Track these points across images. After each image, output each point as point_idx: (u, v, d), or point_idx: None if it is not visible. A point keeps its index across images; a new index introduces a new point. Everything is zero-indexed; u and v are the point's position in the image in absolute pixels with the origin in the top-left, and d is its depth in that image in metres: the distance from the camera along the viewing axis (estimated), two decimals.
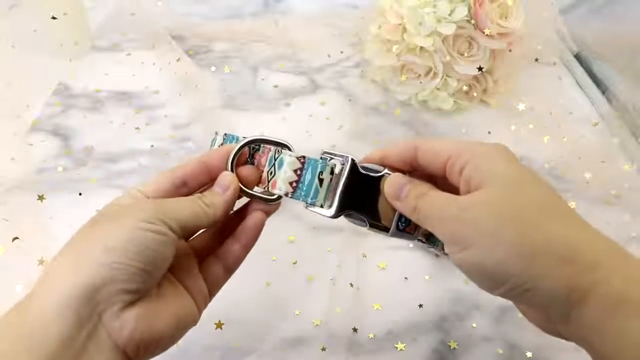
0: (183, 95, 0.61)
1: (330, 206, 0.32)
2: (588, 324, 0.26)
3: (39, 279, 0.27)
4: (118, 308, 0.27)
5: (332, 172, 0.32)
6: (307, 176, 0.32)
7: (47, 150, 0.55)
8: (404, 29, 0.58)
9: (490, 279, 0.27)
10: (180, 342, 0.40)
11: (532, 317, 0.30)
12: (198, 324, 0.41)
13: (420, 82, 0.59)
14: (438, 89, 0.59)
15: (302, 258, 0.46)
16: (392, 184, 0.31)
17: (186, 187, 0.32)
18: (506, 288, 0.26)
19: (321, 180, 0.32)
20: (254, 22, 0.72)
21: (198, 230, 0.32)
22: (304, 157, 0.32)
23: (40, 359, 0.25)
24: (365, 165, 0.32)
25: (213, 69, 0.64)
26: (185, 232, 0.30)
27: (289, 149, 0.33)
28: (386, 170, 0.32)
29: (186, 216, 0.30)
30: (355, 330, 0.41)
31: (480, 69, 0.57)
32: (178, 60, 0.65)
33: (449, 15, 0.56)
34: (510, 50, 0.58)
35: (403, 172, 0.32)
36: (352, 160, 0.32)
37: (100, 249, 0.27)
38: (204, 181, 0.33)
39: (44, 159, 0.54)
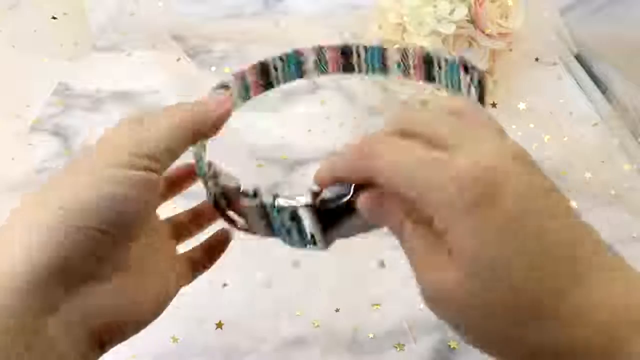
0: (183, 95, 0.61)
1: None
2: None
3: None
4: (86, 284, 0.23)
5: (293, 219, 0.27)
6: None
7: (47, 150, 0.55)
8: (404, 29, 0.58)
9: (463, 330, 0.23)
10: (180, 341, 0.40)
11: None
12: (198, 324, 0.41)
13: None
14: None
15: (302, 258, 0.46)
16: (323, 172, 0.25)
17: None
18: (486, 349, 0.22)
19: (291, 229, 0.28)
20: (254, 22, 0.72)
21: (189, 142, 0.27)
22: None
23: None
24: (327, 196, 0.26)
25: (213, 68, 0.64)
26: (174, 152, 0.26)
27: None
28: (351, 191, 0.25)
29: (171, 129, 0.25)
30: (355, 330, 0.42)
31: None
32: (178, 60, 0.65)
33: (449, 15, 0.56)
34: (510, 50, 0.58)
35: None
36: (308, 204, 0.26)
37: (54, 211, 0.22)
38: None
39: (44, 158, 0.54)
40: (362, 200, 0.24)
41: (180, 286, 0.30)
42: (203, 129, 0.27)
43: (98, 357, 0.25)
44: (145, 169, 0.24)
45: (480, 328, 0.22)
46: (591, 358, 0.20)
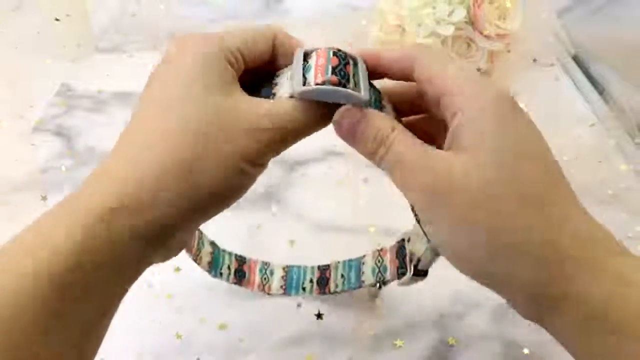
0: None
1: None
2: (560, 332, 0.23)
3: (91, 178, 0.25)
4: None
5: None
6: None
7: (49, 151, 0.55)
8: (404, 30, 0.59)
9: (456, 260, 0.24)
10: (182, 340, 0.41)
11: (513, 304, 0.27)
12: (198, 324, 0.42)
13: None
14: None
15: (302, 259, 0.47)
16: (342, 116, 0.26)
17: None
18: (472, 273, 0.24)
19: None
20: (255, 24, 0.73)
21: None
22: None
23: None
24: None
25: None
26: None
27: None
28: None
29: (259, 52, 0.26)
30: (355, 328, 0.42)
31: (478, 69, 0.58)
32: None
33: (448, 16, 0.57)
34: (508, 52, 0.59)
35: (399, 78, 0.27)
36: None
37: (204, 193, 0.24)
38: None
39: (46, 159, 0.54)
40: (343, 123, 0.26)
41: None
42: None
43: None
44: (261, 164, 0.26)
45: (484, 221, 0.22)
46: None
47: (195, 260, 0.37)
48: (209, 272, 0.38)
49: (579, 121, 0.61)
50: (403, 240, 0.38)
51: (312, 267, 0.42)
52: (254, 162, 0.25)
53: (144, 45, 0.68)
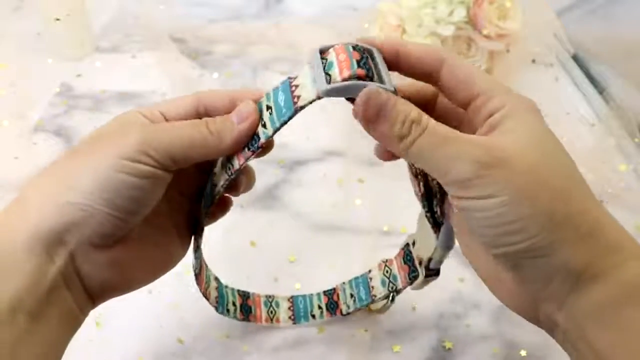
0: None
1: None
2: (587, 310, 0.24)
3: (5, 209, 0.27)
4: (89, 251, 0.26)
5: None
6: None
7: (50, 151, 0.55)
8: (404, 30, 0.59)
9: (503, 235, 0.24)
10: (181, 341, 0.41)
11: (512, 295, 0.27)
12: (199, 325, 0.42)
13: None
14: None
15: (301, 260, 0.47)
16: (370, 99, 0.24)
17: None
18: (518, 248, 0.24)
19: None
20: (255, 24, 0.73)
21: (194, 160, 0.28)
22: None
23: (10, 292, 0.24)
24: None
25: (214, 70, 0.65)
26: (179, 164, 0.27)
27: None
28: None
29: (180, 145, 0.26)
30: (354, 330, 0.42)
31: None
32: (179, 61, 0.65)
33: (448, 16, 0.57)
34: (508, 52, 0.59)
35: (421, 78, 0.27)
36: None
37: (67, 189, 0.25)
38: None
39: (47, 159, 0.54)
40: (369, 104, 0.25)
41: (180, 254, 0.32)
42: (215, 149, 0.27)
43: (92, 309, 0.28)
44: (152, 165, 0.26)
45: (544, 191, 0.24)
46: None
47: (204, 296, 0.36)
48: (217, 309, 0.37)
49: (579, 121, 0.61)
50: (407, 245, 0.38)
51: (318, 294, 0.42)
52: (132, 158, 0.25)
53: (144, 45, 0.68)
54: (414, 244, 0.37)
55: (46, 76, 0.63)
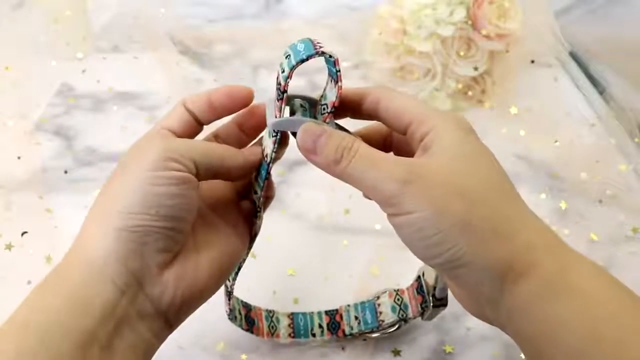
0: (184, 96, 0.61)
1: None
2: (516, 307, 0.25)
3: (70, 248, 0.27)
4: (155, 272, 0.26)
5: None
6: None
7: (50, 150, 0.55)
8: (404, 32, 0.59)
9: (429, 247, 0.26)
10: (180, 342, 0.41)
11: (462, 298, 0.29)
12: (199, 324, 0.42)
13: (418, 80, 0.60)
14: (437, 89, 0.60)
15: (301, 263, 0.47)
16: (306, 134, 0.28)
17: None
18: (442, 259, 0.25)
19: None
20: (255, 24, 0.73)
21: (223, 173, 0.30)
22: None
23: (82, 326, 0.24)
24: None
25: (213, 70, 0.65)
26: (207, 172, 0.28)
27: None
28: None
29: (205, 153, 0.28)
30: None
31: (475, 68, 0.58)
32: (179, 61, 0.65)
33: (448, 17, 0.57)
34: (507, 52, 0.59)
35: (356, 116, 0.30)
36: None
37: (115, 215, 0.26)
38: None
39: (47, 158, 0.54)
40: (305, 138, 0.28)
41: (247, 248, 0.32)
42: (229, 167, 0.29)
43: (169, 333, 0.29)
44: (179, 170, 0.27)
45: (460, 202, 0.25)
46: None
47: (228, 296, 0.36)
48: (228, 315, 0.37)
49: (579, 121, 0.61)
50: (420, 276, 0.39)
51: (319, 313, 0.41)
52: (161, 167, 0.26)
53: (144, 45, 0.68)
54: (423, 274, 0.38)
55: (47, 76, 0.63)
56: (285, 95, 0.28)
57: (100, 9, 0.72)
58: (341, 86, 0.28)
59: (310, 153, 0.28)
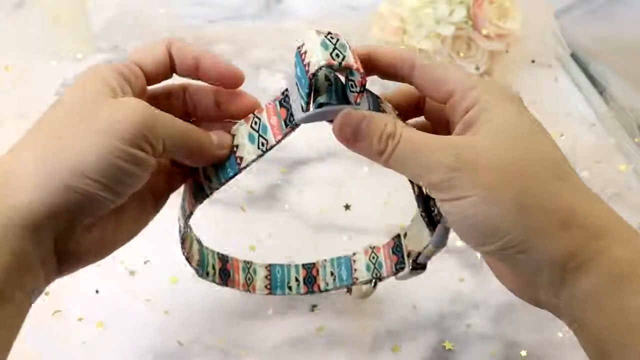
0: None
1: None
2: (583, 298, 0.23)
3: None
4: (78, 233, 0.26)
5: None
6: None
7: None
8: (404, 31, 0.59)
9: (482, 234, 0.24)
10: (180, 339, 0.41)
11: (509, 280, 0.28)
12: (199, 321, 0.42)
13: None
14: None
15: (302, 258, 0.47)
16: (344, 121, 0.26)
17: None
18: (498, 246, 0.24)
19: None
20: (255, 24, 0.73)
21: (184, 159, 0.28)
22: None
23: None
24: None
25: None
26: (169, 156, 0.27)
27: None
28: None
29: (181, 142, 0.27)
30: (353, 330, 0.42)
31: (477, 68, 0.58)
32: None
33: (448, 16, 0.57)
34: (507, 52, 0.59)
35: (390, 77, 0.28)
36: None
37: (70, 172, 0.24)
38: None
39: None
40: (344, 128, 0.26)
41: (152, 216, 0.32)
42: (200, 151, 0.28)
43: (55, 279, 0.27)
44: (148, 152, 0.25)
45: (513, 188, 0.24)
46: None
47: (187, 259, 0.35)
48: (197, 271, 0.37)
49: (579, 121, 0.61)
50: (399, 236, 0.38)
51: (297, 266, 0.41)
52: (122, 139, 0.25)
53: (144, 45, 0.68)
54: (405, 235, 0.38)
55: (47, 76, 0.63)
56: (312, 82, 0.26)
57: (100, 9, 0.71)
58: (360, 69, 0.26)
59: (349, 143, 0.26)
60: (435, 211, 0.31)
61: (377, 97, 0.28)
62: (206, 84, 0.31)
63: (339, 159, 0.55)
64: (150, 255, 0.46)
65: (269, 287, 0.40)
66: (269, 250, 0.47)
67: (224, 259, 0.40)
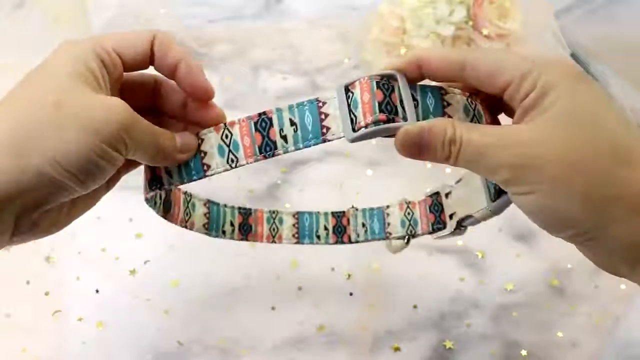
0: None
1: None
2: None
3: None
4: (35, 215, 0.26)
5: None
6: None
7: None
8: (404, 31, 0.59)
9: (553, 224, 0.25)
10: (180, 338, 0.41)
11: (596, 259, 0.27)
12: (199, 324, 0.42)
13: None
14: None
15: (302, 261, 0.47)
16: (405, 139, 0.26)
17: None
18: (566, 235, 0.25)
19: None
20: (255, 24, 0.73)
21: (148, 160, 0.29)
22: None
23: None
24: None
25: (213, 70, 0.65)
26: (136, 155, 0.28)
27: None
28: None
29: (151, 148, 0.27)
30: (354, 330, 0.42)
31: None
32: None
33: (449, 16, 0.57)
34: None
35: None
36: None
37: (46, 158, 0.24)
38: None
39: None
40: (406, 146, 0.26)
41: (103, 195, 0.32)
42: (164, 156, 0.29)
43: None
44: (120, 152, 0.26)
45: (580, 178, 0.24)
46: None
47: (186, 227, 0.35)
48: (208, 233, 0.36)
49: None
50: (437, 194, 0.37)
51: (326, 214, 0.40)
52: (100, 138, 0.25)
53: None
54: (447, 195, 0.37)
55: None
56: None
57: (100, 9, 0.71)
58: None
59: (415, 157, 0.27)
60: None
61: (439, 89, 0.28)
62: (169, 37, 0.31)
63: (338, 159, 0.55)
64: (150, 255, 0.46)
65: (296, 235, 0.39)
66: (269, 251, 0.47)
67: (245, 212, 0.39)
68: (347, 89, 0.27)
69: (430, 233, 0.37)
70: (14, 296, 0.43)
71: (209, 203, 0.37)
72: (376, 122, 0.26)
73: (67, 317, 0.42)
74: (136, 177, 0.53)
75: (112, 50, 0.28)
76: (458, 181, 0.36)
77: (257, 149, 0.28)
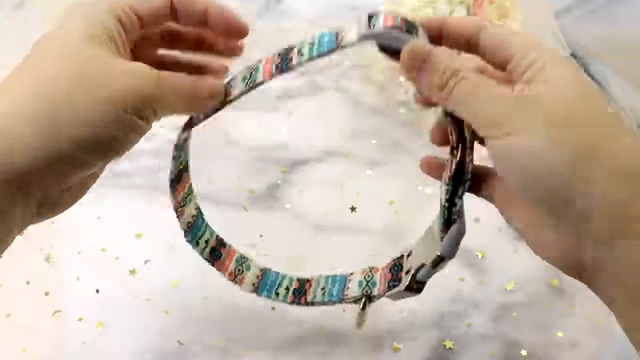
0: None
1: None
2: (629, 262, 0.23)
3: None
4: (57, 191, 0.26)
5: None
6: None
7: None
8: None
9: (531, 179, 0.24)
10: (180, 338, 0.41)
11: (550, 245, 0.27)
12: (199, 324, 0.42)
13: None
14: None
15: (302, 260, 0.47)
16: (414, 50, 0.26)
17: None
18: (553, 185, 0.23)
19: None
20: (255, 24, 0.73)
21: (180, 112, 0.29)
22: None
23: None
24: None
25: None
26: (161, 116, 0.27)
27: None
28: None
29: (178, 104, 0.27)
30: (354, 329, 0.42)
31: None
32: None
33: (448, 15, 0.57)
34: None
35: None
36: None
37: (72, 135, 0.24)
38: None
39: None
40: (414, 54, 0.26)
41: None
42: (198, 106, 0.29)
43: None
44: (148, 120, 0.26)
45: (576, 127, 0.24)
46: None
47: (176, 211, 0.35)
48: (185, 235, 0.36)
49: None
50: (401, 256, 0.37)
51: (291, 277, 0.40)
52: (129, 109, 0.25)
53: None
54: (408, 255, 0.36)
55: None
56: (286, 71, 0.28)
57: None
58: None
59: (413, 72, 0.26)
60: (458, 206, 0.30)
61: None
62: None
63: (338, 160, 0.55)
64: (150, 255, 0.46)
65: (256, 285, 0.39)
66: (270, 251, 0.47)
67: (221, 242, 0.38)
68: (370, 18, 0.27)
69: (386, 292, 0.36)
70: (14, 296, 0.43)
71: (199, 212, 0.37)
72: (396, 28, 0.26)
73: (67, 317, 0.42)
74: (137, 177, 0.53)
75: (128, 7, 0.28)
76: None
77: (274, 68, 0.29)
